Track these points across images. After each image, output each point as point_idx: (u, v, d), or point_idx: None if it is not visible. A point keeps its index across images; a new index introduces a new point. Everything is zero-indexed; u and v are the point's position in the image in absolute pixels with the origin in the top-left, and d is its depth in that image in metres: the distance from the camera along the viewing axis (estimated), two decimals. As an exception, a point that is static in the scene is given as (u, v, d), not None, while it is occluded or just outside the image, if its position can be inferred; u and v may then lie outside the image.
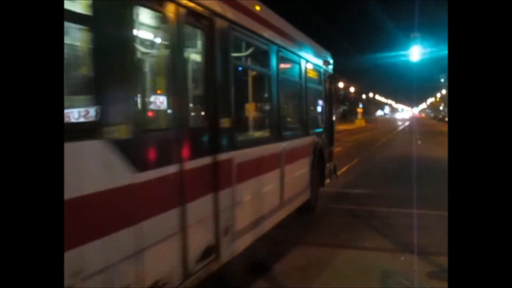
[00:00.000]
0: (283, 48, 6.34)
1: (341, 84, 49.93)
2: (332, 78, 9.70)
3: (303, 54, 7.43)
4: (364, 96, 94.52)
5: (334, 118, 10.20)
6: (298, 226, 7.23)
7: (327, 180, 9.07)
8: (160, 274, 3.28)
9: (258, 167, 5.22)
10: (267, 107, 6.06)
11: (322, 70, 8.88)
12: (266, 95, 5.98)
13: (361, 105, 74.02)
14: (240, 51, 5.41)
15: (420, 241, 6.16)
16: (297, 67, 7.28)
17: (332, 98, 9.84)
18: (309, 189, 7.60)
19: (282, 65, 6.41)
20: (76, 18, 2.72)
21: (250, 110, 5.84)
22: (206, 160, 4.02)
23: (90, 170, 2.61)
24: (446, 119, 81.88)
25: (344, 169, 13.88)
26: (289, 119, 7.24)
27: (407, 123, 76.07)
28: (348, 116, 69.29)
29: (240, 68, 5.35)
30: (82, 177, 2.54)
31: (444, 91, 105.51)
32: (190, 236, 3.65)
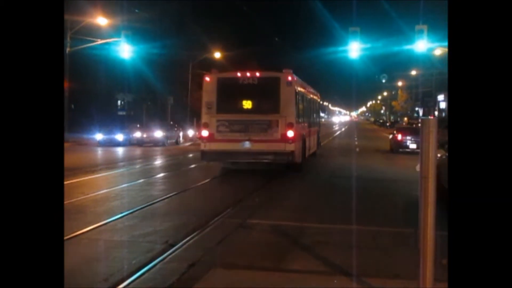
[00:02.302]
0: (315, 99, 21.52)
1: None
2: (321, 104, 25.31)
3: (316, 98, 22.12)
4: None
5: (321, 118, 25.64)
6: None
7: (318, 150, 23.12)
8: (313, 148, 19.44)
9: (313, 133, 19.81)
10: (313, 117, 21.02)
11: (318, 100, 23.16)
12: (313, 113, 20.91)
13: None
14: (313, 105, 21.17)
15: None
16: (317, 103, 22.40)
17: (319, 111, 24.51)
18: (316, 147, 21.36)
19: (315, 104, 21.76)
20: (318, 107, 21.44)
21: (310, 118, 19.87)
22: (309, 128, 18.50)
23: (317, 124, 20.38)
24: (388, 123, 72.34)
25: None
26: (315, 120, 21.52)
27: (344, 128, 73.08)
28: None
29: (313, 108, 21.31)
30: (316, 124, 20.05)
31: (385, 93, 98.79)
32: (314, 141, 19.84)
